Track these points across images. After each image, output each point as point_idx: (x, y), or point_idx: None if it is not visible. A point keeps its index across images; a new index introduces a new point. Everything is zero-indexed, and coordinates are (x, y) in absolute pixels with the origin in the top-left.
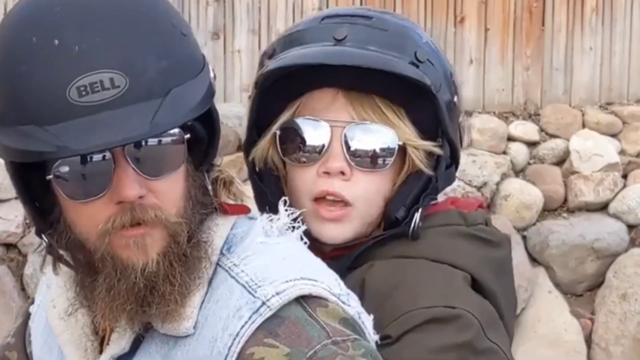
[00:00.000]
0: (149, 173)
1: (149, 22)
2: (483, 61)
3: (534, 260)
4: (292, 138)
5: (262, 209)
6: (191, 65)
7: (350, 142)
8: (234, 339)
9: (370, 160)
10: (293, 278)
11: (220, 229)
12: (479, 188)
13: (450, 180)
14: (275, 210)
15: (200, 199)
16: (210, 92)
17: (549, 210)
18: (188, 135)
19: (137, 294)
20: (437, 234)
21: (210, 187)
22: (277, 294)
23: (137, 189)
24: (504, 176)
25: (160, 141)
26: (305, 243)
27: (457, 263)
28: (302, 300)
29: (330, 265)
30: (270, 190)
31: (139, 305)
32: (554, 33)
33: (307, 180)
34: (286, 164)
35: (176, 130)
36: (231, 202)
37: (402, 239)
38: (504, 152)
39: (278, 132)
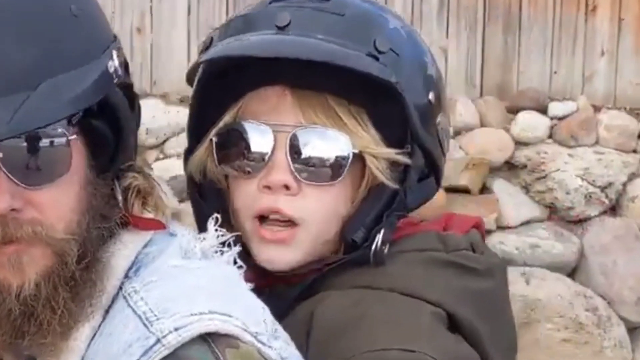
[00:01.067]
0: (25, 182)
1: (19, 2)
2: (616, 53)
3: None
4: (230, 145)
5: (201, 228)
6: (78, 52)
7: (297, 150)
8: None
9: (320, 171)
10: (200, 311)
11: (127, 247)
12: (603, 188)
13: (426, 194)
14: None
15: (103, 212)
16: (104, 82)
17: None
18: (74, 137)
19: (13, 322)
20: (407, 260)
21: (120, 198)
22: (176, 329)
23: (7, 201)
24: (632, 176)
25: (36, 144)
26: (241, 267)
27: (428, 296)
28: (210, 338)
29: (279, 294)
30: (210, 206)
31: (14, 336)
32: None
33: (247, 195)
34: (228, 176)
35: (58, 129)
36: (151, 216)
37: (364, 266)
38: (634, 151)
39: (215, 139)
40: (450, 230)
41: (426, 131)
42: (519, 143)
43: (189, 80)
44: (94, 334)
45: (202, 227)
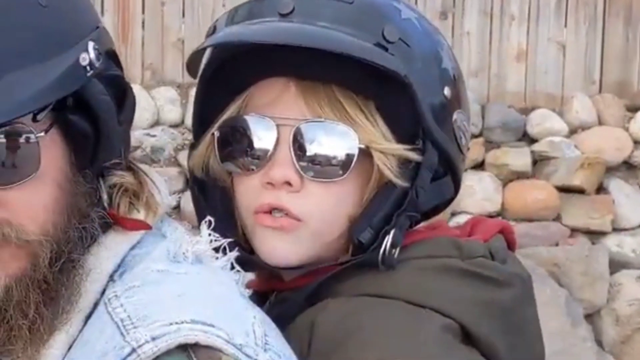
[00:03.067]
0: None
1: None
2: None
3: None
4: (232, 140)
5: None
6: (43, 45)
7: (301, 145)
8: None
9: (325, 168)
10: (180, 320)
11: (112, 249)
12: None
13: (442, 194)
14: (220, 230)
15: (84, 211)
16: (73, 76)
17: None
18: (42, 134)
19: None
20: (417, 267)
21: (105, 197)
22: (153, 339)
23: None
24: None
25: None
26: (238, 272)
27: (439, 307)
28: (191, 349)
29: (284, 300)
30: (213, 206)
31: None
32: None
33: (249, 191)
34: (231, 173)
35: (20, 127)
36: (141, 216)
37: (372, 272)
38: None
39: (217, 133)
40: (474, 236)
41: (440, 127)
42: (638, 142)
43: (190, 70)
44: (73, 341)
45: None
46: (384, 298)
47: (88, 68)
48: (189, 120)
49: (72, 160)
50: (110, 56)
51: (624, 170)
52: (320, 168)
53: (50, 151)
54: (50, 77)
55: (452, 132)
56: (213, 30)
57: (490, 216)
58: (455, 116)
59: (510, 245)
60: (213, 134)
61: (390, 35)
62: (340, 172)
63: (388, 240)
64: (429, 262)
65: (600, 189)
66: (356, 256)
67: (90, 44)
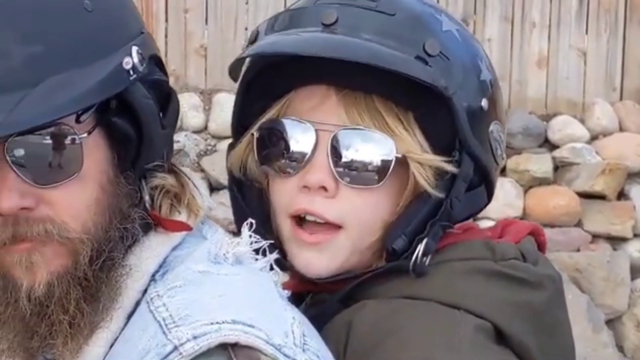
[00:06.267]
0: (36, 180)
1: None
2: None
3: None
4: (271, 142)
5: (239, 227)
6: (87, 49)
7: (338, 151)
8: None
9: (361, 174)
10: (222, 320)
11: (154, 249)
12: None
13: (476, 205)
14: (257, 230)
15: (126, 212)
16: (116, 80)
17: None
18: (85, 135)
19: (25, 321)
20: (452, 270)
21: (147, 198)
22: (195, 338)
23: (14, 200)
24: None
25: (42, 143)
26: (277, 273)
27: (472, 308)
28: (231, 349)
29: (320, 301)
30: (250, 205)
31: (25, 336)
32: None
33: (285, 194)
34: (268, 174)
35: (65, 128)
36: (182, 218)
37: (406, 275)
38: None
39: (256, 134)
40: (504, 237)
41: (477, 139)
42: None
43: (232, 74)
44: (116, 338)
45: (239, 226)
46: (419, 300)
47: (131, 72)
48: (212, 126)
49: (114, 162)
50: (155, 61)
51: None
52: (357, 174)
53: (93, 152)
54: (91, 80)
55: (488, 143)
56: (255, 37)
57: None
58: (491, 127)
59: (541, 247)
60: (252, 134)
61: (431, 48)
62: (376, 179)
63: (420, 248)
64: (463, 265)
65: (621, 195)
66: (389, 263)
67: (134, 49)
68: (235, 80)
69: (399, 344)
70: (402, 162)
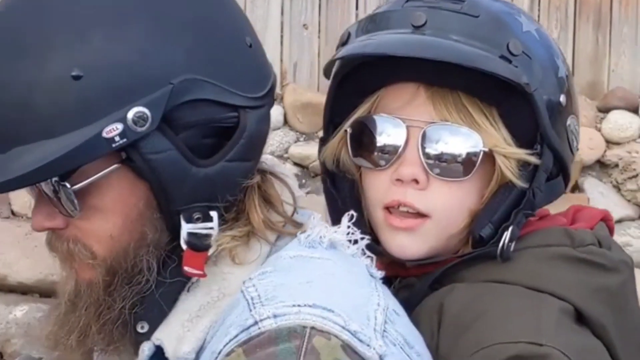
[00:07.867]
0: (59, 209)
1: (16, 59)
2: None
3: None
4: (364, 137)
5: (334, 218)
6: (66, 119)
7: (428, 145)
8: (216, 357)
9: (450, 167)
10: (303, 303)
11: (253, 253)
12: None
13: (554, 194)
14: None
15: (155, 242)
16: (87, 150)
17: None
18: (78, 186)
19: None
20: (534, 256)
21: (184, 234)
22: (275, 316)
23: (39, 222)
24: None
25: (43, 190)
26: (369, 257)
27: (557, 292)
28: (308, 331)
29: (408, 285)
30: (343, 197)
31: (82, 335)
32: None
33: (379, 187)
34: (360, 167)
35: (47, 182)
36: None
37: (492, 260)
38: None
39: (349, 130)
40: (577, 223)
41: (556, 132)
42: (610, 142)
43: (326, 73)
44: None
45: (332, 215)
46: (505, 284)
47: (117, 138)
48: None
49: (147, 197)
50: (210, 101)
51: (598, 169)
52: (446, 167)
53: (115, 188)
54: (50, 156)
55: (565, 136)
56: (347, 38)
57: None
58: (569, 121)
59: (610, 232)
60: (346, 130)
61: (514, 48)
62: (464, 171)
63: (507, 235)
64: (544, 251)
65: (576, 188)
66: (476, 249)
67: (133, 112)
68: (328, 78)
69: (487, 326)
70: (488, 155)
